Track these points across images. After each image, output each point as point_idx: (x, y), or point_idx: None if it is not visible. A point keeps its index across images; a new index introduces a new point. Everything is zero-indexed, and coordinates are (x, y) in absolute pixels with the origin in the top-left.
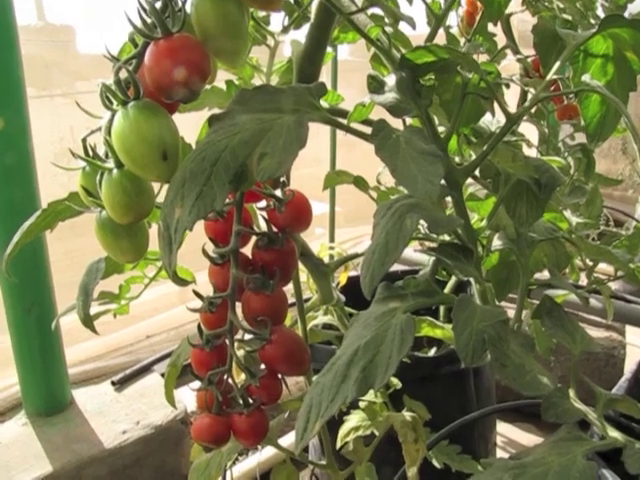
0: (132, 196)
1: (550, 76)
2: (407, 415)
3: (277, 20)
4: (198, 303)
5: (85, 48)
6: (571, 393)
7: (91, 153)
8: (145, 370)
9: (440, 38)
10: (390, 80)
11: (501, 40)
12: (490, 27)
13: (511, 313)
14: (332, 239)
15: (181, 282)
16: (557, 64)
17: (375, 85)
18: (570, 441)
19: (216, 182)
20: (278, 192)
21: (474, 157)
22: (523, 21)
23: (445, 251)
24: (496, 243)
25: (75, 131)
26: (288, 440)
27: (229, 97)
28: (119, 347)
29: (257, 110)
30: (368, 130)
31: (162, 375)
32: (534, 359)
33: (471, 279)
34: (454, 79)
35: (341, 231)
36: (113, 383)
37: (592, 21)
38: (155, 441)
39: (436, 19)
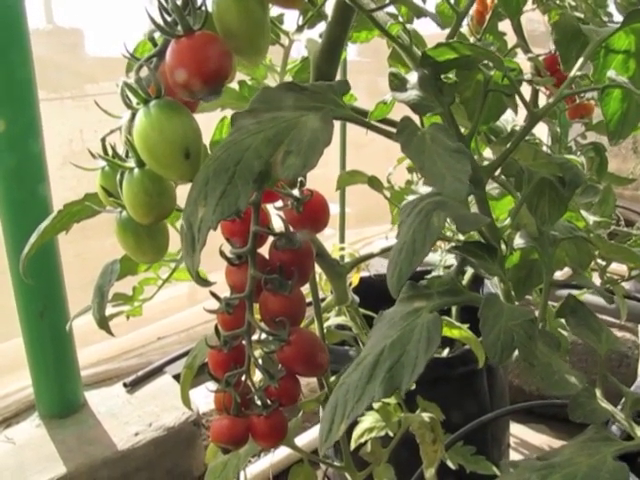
0: (153, 196)
1: (574, 73)
2: (425, 416)
3: (290, 19)
4: (212, 303)
5: (94, 51)
6: (597, 393)
7: (111, 153)
8: (156, 372)
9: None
10: (412, 78)
11: (510, 39)
12: (500, 26)
13: None
14: (342, 240)
15: (203, 282)
16: (580, 60)
17: (397, 83)
18: (598, 442)
19: (240, 181)
20: (296, 192)
21: (490, 155)
22: (531, 20)
23: (469, 250)
24: (518, 242)
25: (84, 134)
26: (301, 441)
27: (242, 97)
28: (130, 349)
29: (280, 108)
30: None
31: (173, 377)
32: (560, 359)
33: (487, 278)
34: (475, 76)
35: (350, 232)
36: (125, 385)
37: (605, 18)
38: (167, 443)
39: (457, 15)
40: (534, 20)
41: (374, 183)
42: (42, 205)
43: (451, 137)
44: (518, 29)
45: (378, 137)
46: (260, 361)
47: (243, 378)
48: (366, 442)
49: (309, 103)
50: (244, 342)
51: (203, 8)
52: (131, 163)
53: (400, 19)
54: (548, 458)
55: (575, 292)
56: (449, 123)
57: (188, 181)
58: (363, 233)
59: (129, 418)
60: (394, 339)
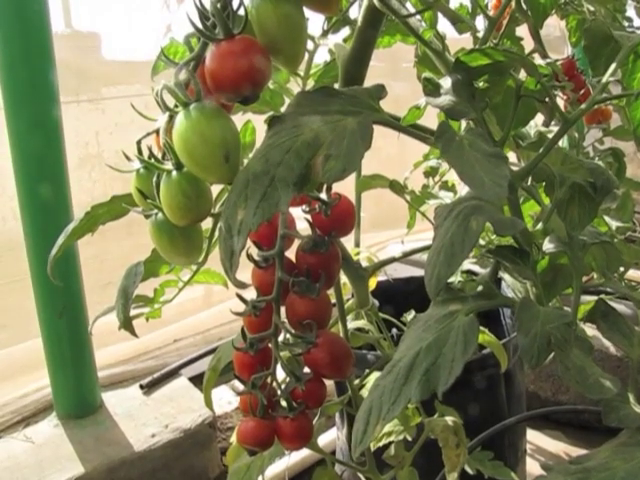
0: (191, 198)
1: (607, 78)
2: (448, 419)
3: (313, 24)
4: (229, 306)
5: (111, 54)
6: (631, 398)
7: (146, 155)
8: (173, 374)
9: (465, 42)
10: (445, 83)
11: (527, 44)
12: (517, 31)
13: None
14: (357, 244)
15: (240, 284)
16: (612, 66)
17: (430, 88)
18: (633, 446)
19: (280, 184)
20: (323, 196)
21: (514, 159)
22: (546, 25)
23: (503, 254)
24: (548, 246)
25: (100, 136)
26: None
27: (263, 101)
28: (147, 351)
29: (318, 112)
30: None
31: (189, 379)
32: (594, 362)
33: (520, 281)
34: (505, 82)
35: (363, 236)
36: (142, 387)
37: (625, 23)
38: (184, 445)
39: (489, 22)
40: (549, 25)
41: (395, 187)
42: (63, 207)
43: (488, 142)
44: (536, 34)
45: (392, 142)
46: (286, 363)
47: (269, 380)
48: (385, 446)
49: (347, 107)
50: (270, 344)
51: (243, 12)
52: (169, 165)
53: (424, 24)
54: (582, 462)
55: (590, 298)
56: (482, 128)
57: (227, 183)
58: (376, 237)
59: (146, 420)
60: (430, 341)
